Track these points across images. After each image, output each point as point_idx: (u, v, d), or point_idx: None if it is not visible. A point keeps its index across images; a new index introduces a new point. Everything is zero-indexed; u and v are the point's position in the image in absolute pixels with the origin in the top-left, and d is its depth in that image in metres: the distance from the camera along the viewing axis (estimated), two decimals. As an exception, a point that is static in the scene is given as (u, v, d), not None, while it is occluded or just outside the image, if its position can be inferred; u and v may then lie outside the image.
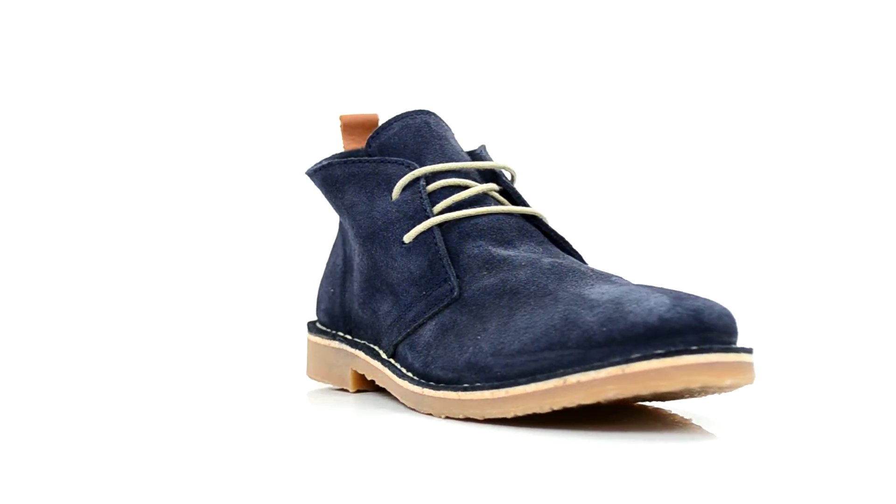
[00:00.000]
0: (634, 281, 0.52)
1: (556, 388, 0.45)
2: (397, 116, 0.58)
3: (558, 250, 0.55)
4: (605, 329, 0.45)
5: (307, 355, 0.64)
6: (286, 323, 0.74)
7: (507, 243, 0.54)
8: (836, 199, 1.05)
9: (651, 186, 1.06)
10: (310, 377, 0.64)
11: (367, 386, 0.60)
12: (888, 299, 0.96)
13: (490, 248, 0.53)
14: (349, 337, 0.60)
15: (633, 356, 0.44)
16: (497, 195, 0.57)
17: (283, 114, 1.03)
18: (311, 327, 0.64)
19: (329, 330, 0.62)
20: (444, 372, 0.50)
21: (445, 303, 0.52)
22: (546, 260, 0.52)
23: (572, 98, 1.07)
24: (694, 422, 0.49)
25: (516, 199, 0.57)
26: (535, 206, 0.58)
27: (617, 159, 1.07)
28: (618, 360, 0.44)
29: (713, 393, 0.47)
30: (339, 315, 0.61)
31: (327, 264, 0.63)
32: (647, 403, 0.53)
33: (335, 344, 0.61)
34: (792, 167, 1.05)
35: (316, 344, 0.63)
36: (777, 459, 0.43)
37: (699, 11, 1.06)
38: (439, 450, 0.45)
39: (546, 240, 0.56)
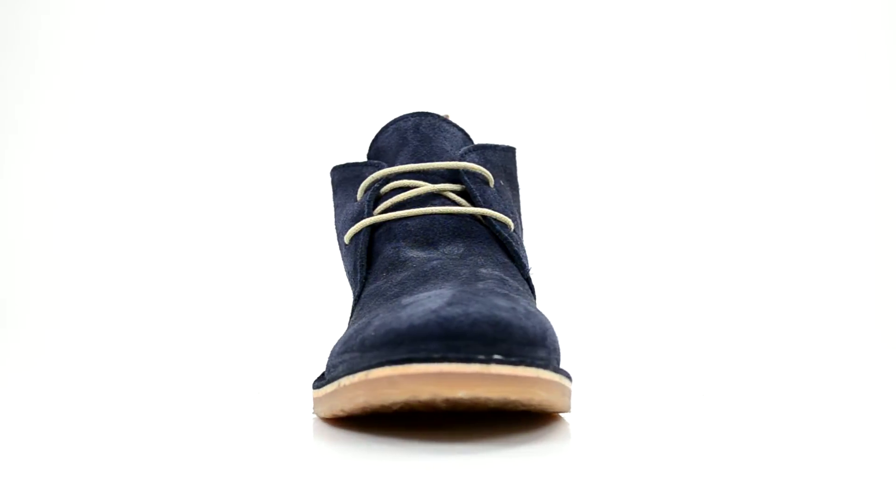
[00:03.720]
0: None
1: (335, 391, 0.44)
2: (394, 119, 0.58)
3: (491, 252, 0.51)
4: (373, 334, 0.42)
5: None
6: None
7: (430, 244, 0.52)
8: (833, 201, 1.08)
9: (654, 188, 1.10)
10: None
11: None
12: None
13: (404, 249, 0.52)
14: None
15: (374, 362, 0.41)
16: (454, 196, 0.54)
17: (369, 118, 1.05)
18: None
19: None
20: (326, 370, 0.51)
21: (353, 303, 0.52)
22: (435, 262, 0.49)
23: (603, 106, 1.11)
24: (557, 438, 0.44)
25: (475, 199, 0.54)
26: (492, 207, 0.55)
27: (631, 163, 1.10)
28: (366, 365, 0.42)
29: (487, 404, 0.42)
30: None
31: None
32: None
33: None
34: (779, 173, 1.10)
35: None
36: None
37: (685, 22, 1.13)
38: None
39: (491, 241, 0.52)
